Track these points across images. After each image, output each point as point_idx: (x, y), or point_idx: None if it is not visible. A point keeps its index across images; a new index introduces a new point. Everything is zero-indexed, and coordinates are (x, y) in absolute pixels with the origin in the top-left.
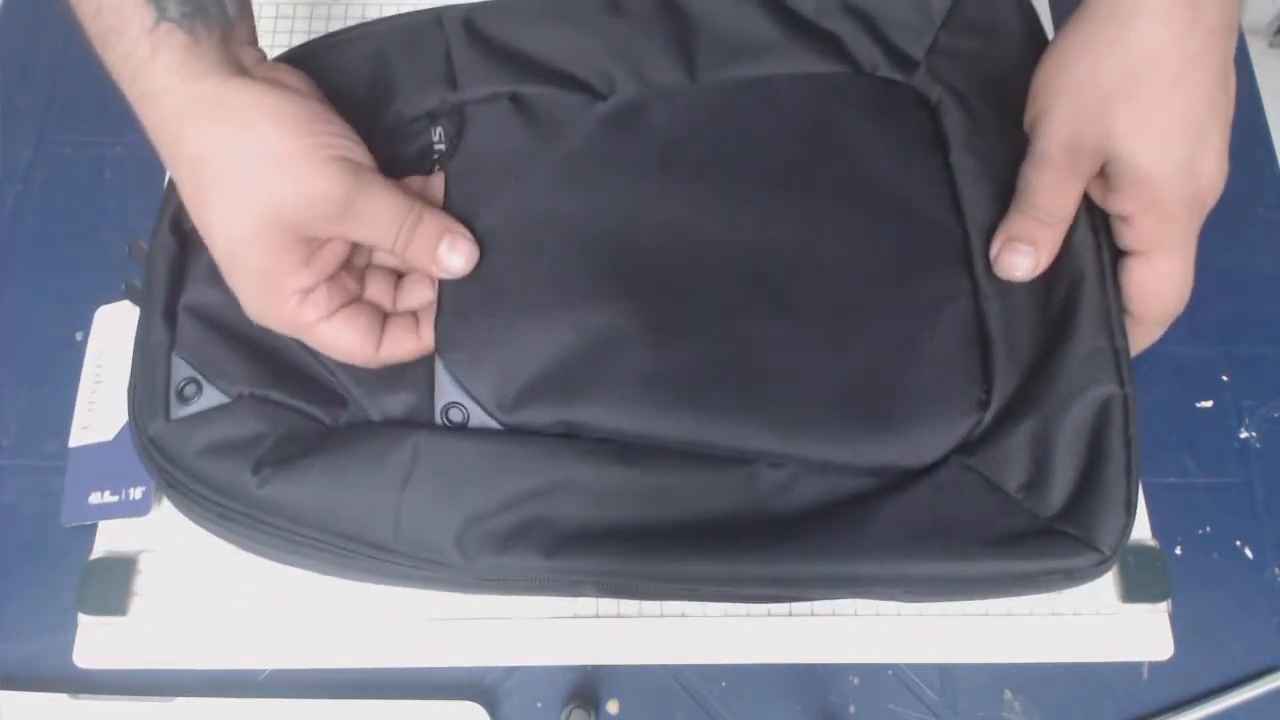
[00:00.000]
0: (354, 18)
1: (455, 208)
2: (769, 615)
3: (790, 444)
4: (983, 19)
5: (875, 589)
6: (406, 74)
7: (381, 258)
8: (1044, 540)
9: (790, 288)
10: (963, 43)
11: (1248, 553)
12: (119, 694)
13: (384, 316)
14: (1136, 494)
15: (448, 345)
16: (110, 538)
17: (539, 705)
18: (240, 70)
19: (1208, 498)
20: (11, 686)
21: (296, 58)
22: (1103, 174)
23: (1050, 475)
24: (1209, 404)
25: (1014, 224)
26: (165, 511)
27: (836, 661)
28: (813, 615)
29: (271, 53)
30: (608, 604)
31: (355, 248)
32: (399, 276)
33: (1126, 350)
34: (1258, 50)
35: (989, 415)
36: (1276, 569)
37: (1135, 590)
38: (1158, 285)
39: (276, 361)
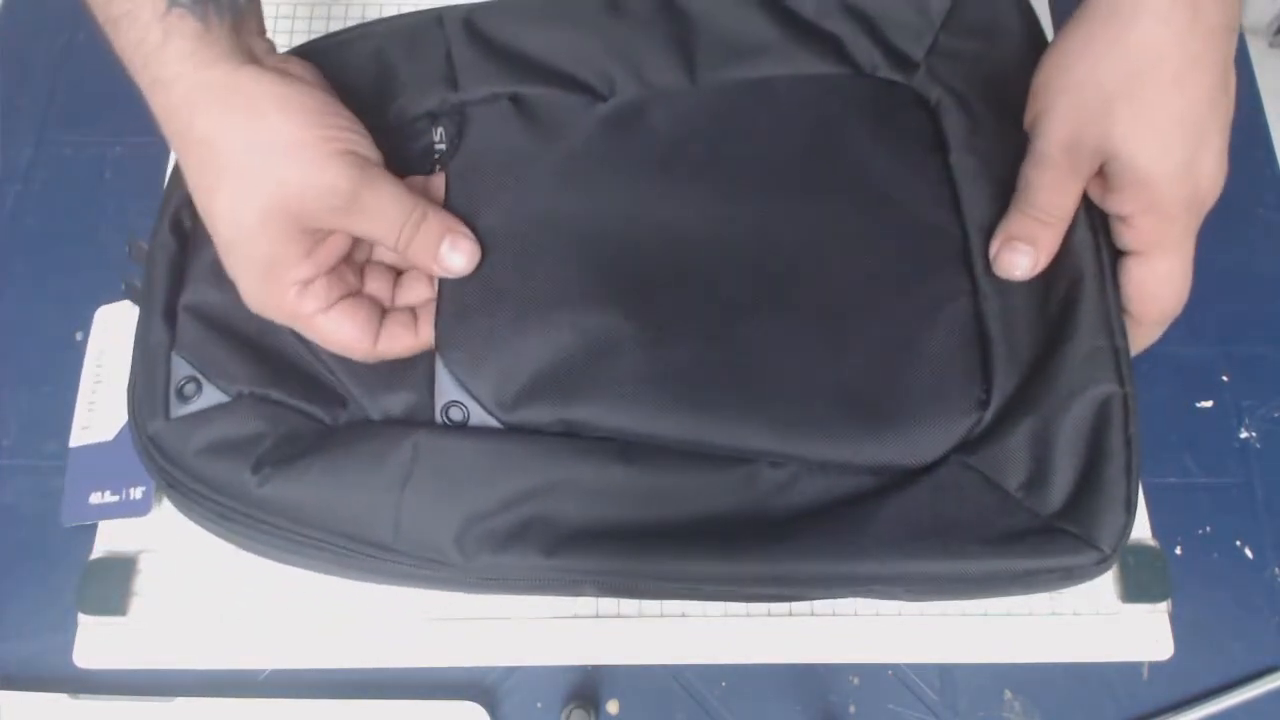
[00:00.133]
0: (354, 18)
1: (456, 208)
2: (769, 615)
3: (790, 443)
4: (982, 20)
5: (875, 588)
6: (407, 74)
7: (381, 254)
8: (1044, 539)
9: (790, 288)
10: (962, 44)
11: (1248, 553)
12: (119, 694)
13: (382, 312)
14: (1136, 493)
15: (448, 344)
16: (110, 538)
17: (539, 705)
18: (252, 59)
19: (1208, 498)
20: (11, 686)
21: (297, 57)
22: (1102, 174)
23: (1050, 474)
24: (1209, 404)
25: (1013, 223)
26: (165, 511)
27: (836, 661)
28: (813, 615)
29: None
30: (608, 604)
31: (356, 243)
32: (397, 274)
33: (1126, 349)
34: (1258, 50)
35: (989, 414)
36: (1276, 569)
37: (1135, 590)
38: (1156, 285)
39: (276, 361)
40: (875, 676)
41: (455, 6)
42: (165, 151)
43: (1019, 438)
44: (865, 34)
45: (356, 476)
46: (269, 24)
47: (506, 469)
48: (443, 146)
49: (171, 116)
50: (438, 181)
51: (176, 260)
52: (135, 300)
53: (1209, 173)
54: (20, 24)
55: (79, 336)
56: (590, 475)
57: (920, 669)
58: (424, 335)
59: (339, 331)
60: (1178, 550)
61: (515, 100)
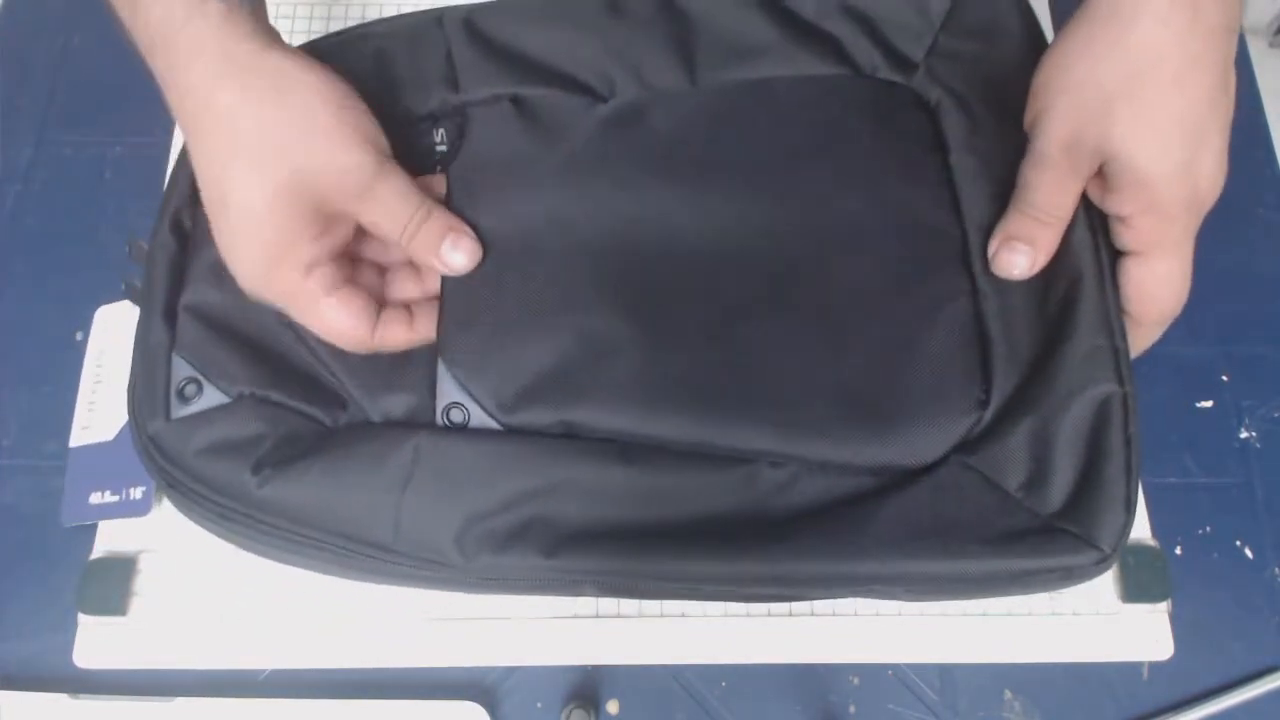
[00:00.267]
0: (354, 18)
1: (457, 208)
2: (769, 615)
3: (790, 444)
4: (982, 21)
5: (876, 588)
6: (408, 75)
7: (375, 251)
8: (1044, 538)
9: (790, 288)
10: (962, 45)
11: (1248, 553)
12: (119, 694)
13: (378, 305)
14: (1136, 492)
15: (449, 346)
16: (110, 538)
17: (539, 705)
18: (276, 41)
19: (1208, 498)
20: (11, 686)
21: None
22: (1101, 174)
23: (1050, 474)
24: (1209, 404)
25: (1012, 222)
26: (165, 511)
27: (836, 661)
28: (813, 615)
29: None
30: (608, 604)
31: (358, 235)
32: (384, 271)
33: (1126, 349)
34: (1258, 50)
35: (988, 414)
36: (1276, 569)
37: (1135, 590)
38: (1156, 286)
39: (277, 362)
40: (875, 676)
41: (455, 7)
42: (165, 151)
43: (1019, 437)
44: (865, 35)
45: (357, 478)
46: None
47: (507, 470)
48: (444, 148)
49: (188, 94)
50: (439, 182)
51: (176, 260)
52: (135, 300)
53: (1209, 173)
54: (20, 24)
55: (79, 336)
56: (590, 476)
57: (920, 669)
58: (419, 330)
59: (338, 319)
60: (1178, 550)
61: (516, 101)
